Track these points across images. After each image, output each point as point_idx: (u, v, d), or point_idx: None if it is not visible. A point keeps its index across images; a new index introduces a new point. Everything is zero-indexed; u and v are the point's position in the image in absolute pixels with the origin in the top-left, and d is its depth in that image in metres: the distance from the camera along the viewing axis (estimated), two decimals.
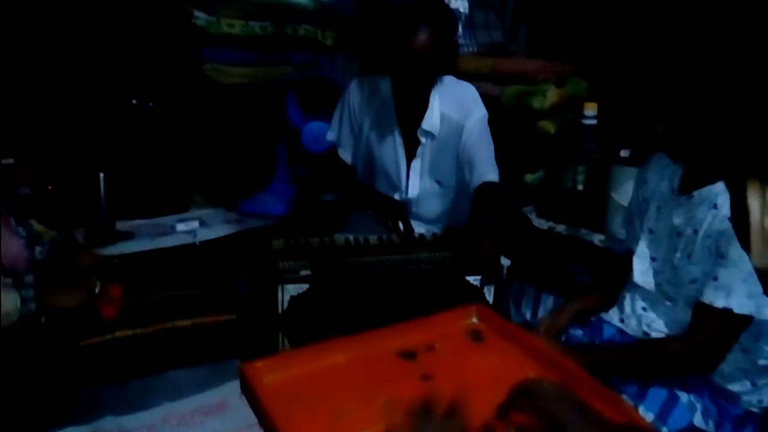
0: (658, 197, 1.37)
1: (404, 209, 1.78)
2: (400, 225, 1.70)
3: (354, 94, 1.85)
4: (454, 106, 1.76)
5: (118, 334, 1.52)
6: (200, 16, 2.32)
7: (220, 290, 1.75)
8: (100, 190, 2.09)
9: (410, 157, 1.82)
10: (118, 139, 2.29)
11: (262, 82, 2.48)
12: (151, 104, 2.36)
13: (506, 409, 0.85)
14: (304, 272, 1.45)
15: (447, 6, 2.37)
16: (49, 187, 1.94)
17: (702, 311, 1.20)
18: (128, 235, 2.11)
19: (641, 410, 1.18)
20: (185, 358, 1.57)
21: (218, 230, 2.25)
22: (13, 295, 1.36)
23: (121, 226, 2.14)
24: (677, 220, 1.29)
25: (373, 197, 1.87)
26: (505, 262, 1.59)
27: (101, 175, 2.08)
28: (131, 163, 2.29)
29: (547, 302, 1.58)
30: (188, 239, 2.14)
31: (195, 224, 2.26)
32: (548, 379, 0.88)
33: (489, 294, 1.54)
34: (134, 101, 2.34)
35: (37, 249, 1.59)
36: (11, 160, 1.90)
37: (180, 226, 2.23)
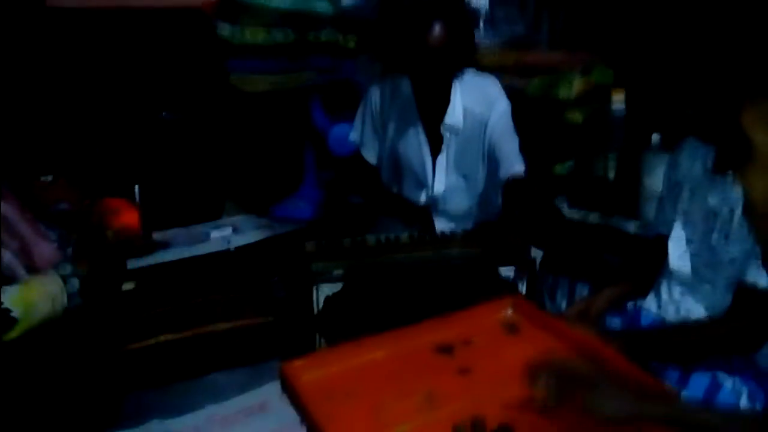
0: (691, 180, 1.35)
1: (427, 215, 1.78)
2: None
3: (375, 94, 1.86)
4: (477, 99, 1.76)
5: (162, 338, 1.57)
6: (225, 28, 2.36)
7: (256, 294, 1.79)
8: (135, 201, 2.14)
9: (435, 153, 1.82)
10: (151, 151, 2.35)
11: (287, 89, 2.51)
12: (180, 116, 2.42)
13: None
14: (337, 272, 1.47)
15: (465, 2, 2.36)
16: (87, 202, 2.00)
17: (744, 292, 1.19)
18: (165, 245, 2.16)
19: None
20: (226, 360, 1.61)
21: (251, 236, 2.28)
22: (55, 278, 1.42)
23: (158, 236, 2.20)
24: (712, 201, 1.28)
25: (396, 203, 1.87)
26: (536, 253, 1.58)
27: (137, 186, 2.14)
28: (165, 174, 2.35)
29: (582, 293, 1.56)
30: (223, 246, 2.18)
31: (228, 231, 2.31)
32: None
33: (522, 287, 1.54)
34: (164, 114, 2.40)
35: (68, 250, 1.65)
36: (50, 177, 1.98)
37: (214, 234, 2.28)
